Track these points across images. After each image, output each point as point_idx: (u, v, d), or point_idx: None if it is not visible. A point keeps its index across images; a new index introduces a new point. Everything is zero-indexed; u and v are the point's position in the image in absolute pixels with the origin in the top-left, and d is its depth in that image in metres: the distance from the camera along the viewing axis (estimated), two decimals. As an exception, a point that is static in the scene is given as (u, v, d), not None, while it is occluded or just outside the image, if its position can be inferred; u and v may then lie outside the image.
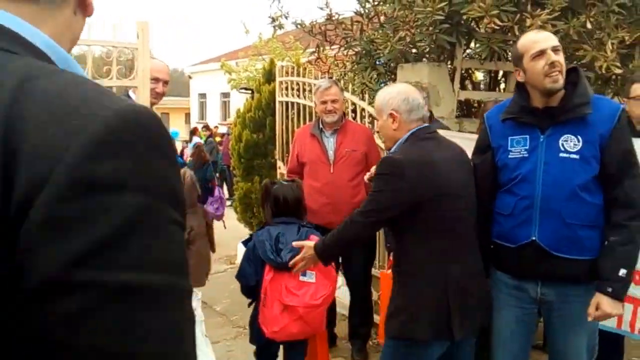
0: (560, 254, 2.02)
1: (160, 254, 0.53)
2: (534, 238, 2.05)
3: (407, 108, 2.13)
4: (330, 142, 3.54)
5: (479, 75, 4.96)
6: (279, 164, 5.33)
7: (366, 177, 2.58)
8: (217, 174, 9.81)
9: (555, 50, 2.02)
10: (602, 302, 1.96)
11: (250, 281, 2.63)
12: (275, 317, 2.50)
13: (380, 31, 4.29)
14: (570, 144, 2.01)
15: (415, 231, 2.08)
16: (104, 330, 0.49)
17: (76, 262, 0.49)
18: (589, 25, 3.43)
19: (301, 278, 2.54)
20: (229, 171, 10.08)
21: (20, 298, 0.49)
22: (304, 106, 4.78)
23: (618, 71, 3.48)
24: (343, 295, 3.95)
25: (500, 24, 3.42)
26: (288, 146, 4.82)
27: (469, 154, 2.35)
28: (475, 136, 2.54)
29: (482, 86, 4.88)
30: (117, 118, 0.53)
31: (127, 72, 2.68)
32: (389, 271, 2.54)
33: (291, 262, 2.40)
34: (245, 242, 2.76)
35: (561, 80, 2.01)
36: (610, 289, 1.95)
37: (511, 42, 3.48)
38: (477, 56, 4.11)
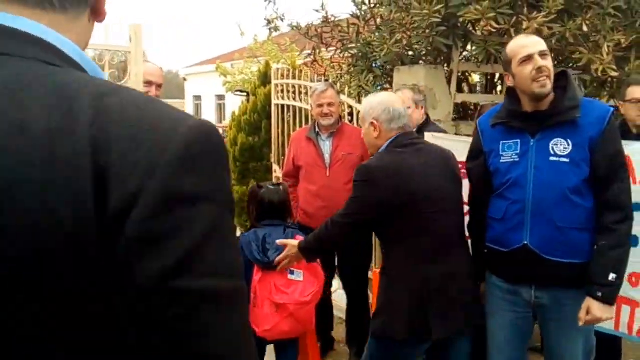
0: (553, 258, 2.02)
1: (229, 260, 0.58)
2: (525, 242, 2.06)
3: (388, 118, 2.21)
4: (326, 146, 3.53)
5: (476, 78, 4.96)
6: (275, 167, 5.31)
7: None
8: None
9: (543, 55, 2.02)
10: (593, 307, 1.98)
11: None
12: (266, 315, 2.53)
13: (377, 34, 4.28)
14: (561, 147, 2.01)
15: (393, 234, 2.19)
16: (195, 333, 0.54)
17: (170, 272, 0.53)
18: (585, 28, 3.43)
19: (289, 277, 2.59)
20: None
21: (121, 307, 0.53)
22: (300, 109, 4.76)
23: (614, 74, 3.48)
24: (340, 298, 3.93)
25: (497, 26, 3.41)
26: (284, 149, 4.80)
27: (465, 157, 2.36)
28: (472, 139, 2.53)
29: (478, 89, 4.88)
30: (192, 134, 0.56)
31: (120, 75, 2.65)
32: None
33: (276, 260, 2.46)
34: None
35: (549, 85, 2.01)
36: (600, 294, 1.96)
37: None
38: (473, 59, 4.11)
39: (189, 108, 25.97)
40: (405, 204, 2.11)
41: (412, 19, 3.68)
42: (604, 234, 1.99)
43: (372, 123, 2.24)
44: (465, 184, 2.43)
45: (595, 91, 3.98)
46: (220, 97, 22.28)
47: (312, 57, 5.03)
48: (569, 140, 2.00)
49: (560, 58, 4.09)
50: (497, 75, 4.36)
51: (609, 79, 3.81)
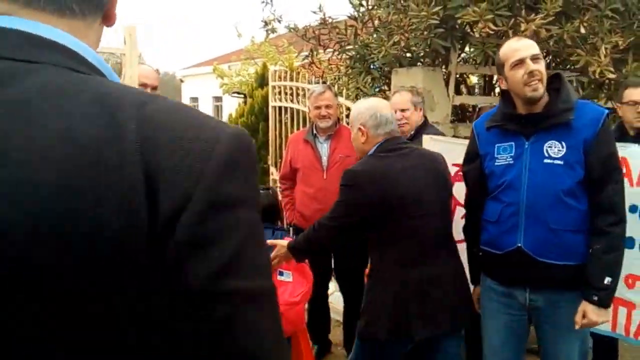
0: (546, 260, 2.02)
1: (265, 261, 0.62)
2: (519, 244, 2.06)
3: (375, 123, 2.25)
4: (324, 148, 3.51)
5: (474, 80, 4.96)
6: (272, 169, 5.30)
7: None
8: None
9: (534, 59, 2.02)
10: (588, 311, 1.98)
11: None
12: None
13: (375, 35, 4.28)
14: (555, 149, 2.01)
15: (377, 237, 2.25)
16: (242, 332, 0.57)
17: (218, 274, 0.55)
18: (582, 30, 3.43)
19: (278, 277, 2.61)
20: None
21: (169, 308, 0.55)
22: (298, 111, 4.75)
23: (611, 76, 3.48)
24: (337, 301, 3.92)
25: (495, 28, 3.41)
26: (281, 151, 4.79)
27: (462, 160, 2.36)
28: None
29: (477, 91, 4.88)
30: (233, 141, 0.59)
31: (115, 77, 2.63)
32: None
33: None
34: None
35: (541, 89, 2.01)
36: (596, 298, 1.97)
37: (506, 46, 3.47)
38: (471, 61, 4.11)
39: (186, 110, 25.84)
40: (388, 208, 2.15)
41: (410, 21, 3.67)
42: (598, 237, 1.99)
43: (359, 128, 2.29)
44: (462, 187, 2.43)
45: (593, 93, 3.98)
46: (218, 99, 22.26)
47: (309, 58, 5.02)
48: (563, 143, 2.00)
49: (558, 60, 4.09)
50: (495, 77, 4.36)
51: (607, 81, 3.81)
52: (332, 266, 3.59)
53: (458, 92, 4.25)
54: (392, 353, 2.26)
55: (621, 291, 2.16)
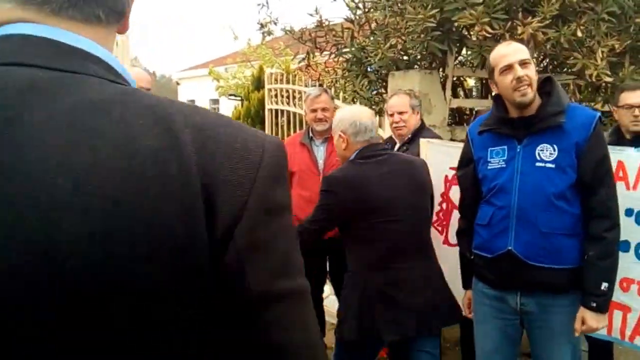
0: (537, 263, 2.01)
1: (301, 261, 0.65)
2: (510, 248, 2.05)
3: (354, 131, 2.34)
4: (320, 151, 3.50)
5: (471, 83, 4.96)
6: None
7: None
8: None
9: (523, 64, 2.01)
10: (587, 317, 1.98)
11: None
12: None
13: (371, 38, 4.27)
14: (546, 153, 2.01)
15: (350, 241, 2.35)
16: (294, 328, 0.62)
17: (272, 276, 0.60)
18: (579, 33, 3.43)
19: None
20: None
21: (225, 310, 0.58)
22: (294, 114, 4.73)
23: (608, 79, 3.48)
24: (332, 304, 3.90)
25: (492, 31, 3.40)
26: (278, 154, 4.76)
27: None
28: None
29: (474, 94, 4.87)
30: (275, 150, 0.62)
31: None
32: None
33: None
34: None
35: (530, 94, 2.01)
36: (594, 304, 1.97)
37: (502, 49, 3.46)
38: (469, 64, 4.10)
39: (182, 112, 25.81)
40: (362, 212, 2.25)
41: (407, 24, 3.67)
42: (593, 242, 1.98)
43: (340, 135, 2.38)
44: (459, 191, 2.42)
45: (590, 96, 3.98)
46: (215, 101, 22.24)
47: (305, 61, 5.01)
48: (555, 146, 2.00)
49: (555, 63, 4.09)
50: (492, 81, 4.35)
51: (604, 84, 3.81)
52: (327, 269, 3.57)
53: (455, 95, 4.25)
54: (363, 353, 2.37)
55: (616, 295, 2.15)
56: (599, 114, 2.07)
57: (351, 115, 2.38)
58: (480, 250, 2.18)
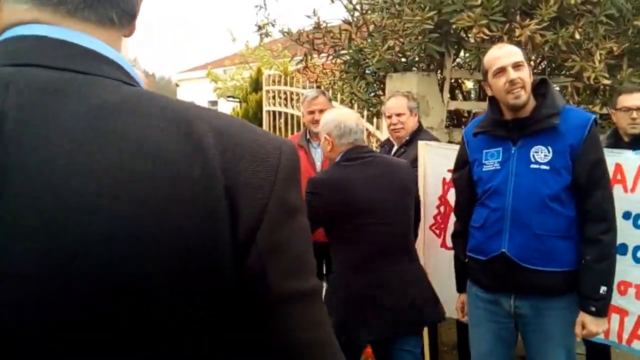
0: (530, 266, 2.00)
1: (313, 261, 0.66)
2: (503, 250, 2.04)
3: (339, 133, 2.36)
4: (317, 153, 3.48)
5: (470, 85, 4.95)
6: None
7: None
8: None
9: (516, 66, 2.01)
10: (587, 322, 1.98)
11: None
12: None
13: (369, 40, 4.26)
14: (541, 154, 2.01)
15: (335, 242, 2.37)
16: (313, 326, 0.64)
17: (292, 276, 0.61)
18: (577, 36, 3.42)
19: None
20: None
21: (249, 311, 0.59)
22: (292, 116, 4.72)
23: (606, 82, 3.48)
24: (331, 308, 3.89)
25: (490, 33, 3.40)
26: (275, 156, 4.75)
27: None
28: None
29: (472, 96, 4.86)
30: (290, 153, 0.63)
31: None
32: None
33: None
34: None
35: (523, 96, 2.01)
36: (593, 308, 1.96)
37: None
38: (466, 66, 4.09)
39: (181, 114, 25.74)
40: (346, 214, 2.27)
41: (405, 26, 3.66)
42: (589, 246, 1.97)
43: (325, 137, 2.41)
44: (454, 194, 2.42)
45: (588, 99, 3.97)
46: (214, 103, 22.18)
47: (303, 63, 5.00)
48: (549, 148, 2.00)
49: (553, 65, 4.09)
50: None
51: (602, 87, 3.80)
52: (324, 272, 3.56)
53: (453, 97, 4.24)
54: (347, 354, 2.36)
55: (614, 298, 2.14)
56: (594, 116, 2.07)
57: (336, 117, 2.41)
58: (475, 253, 2.17)
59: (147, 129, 0.56)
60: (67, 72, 0.58)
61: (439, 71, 4.11)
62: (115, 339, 0.54)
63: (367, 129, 4.31)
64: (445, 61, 3.89)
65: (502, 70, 2.02)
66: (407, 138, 3.10)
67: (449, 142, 3.59)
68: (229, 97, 11.47)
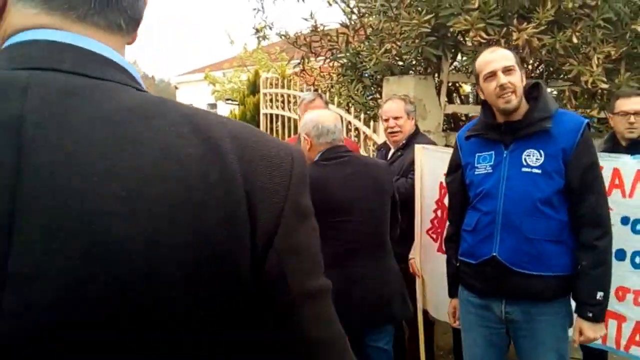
0: (522, 270, 1.99)
1: (322, 259, 0.68)
2: (494, 254, 2.03)
3: (317, 133, 2.43)
4: (314, 156, 3.47)
5: (467, 89, 4.94)
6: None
7: None
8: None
9: (507, 71, 2.00)
10: (584, 328, 1.97)
11: None
12: None
13: (366, 43, 4.25)
14: (533, 158, 2.00)
15: None
16: (327, 322, 0.67)
17: (308, 277, 0.64)
18: (575, 40, 3.41)
19: None
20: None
21: (266, 312, 0.61)
22: (289, 118, 4.71)
23: (604, 86, 3.46)
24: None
25: (487, 37, 3.38)
26: (272, 159, 4.73)
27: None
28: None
29: (470, 99, 4.85)
30: (300, 157, 0.65)
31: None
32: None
33: None
34: None
35: (514, 100, 2.00)
36: (590, 314, 1.96)
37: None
38: (464, 69, 4.08)
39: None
40: (324, 213, 2.39)
41: (401, 29, 3.65)
42: (585, 252, 1.96)
43: (304, 137, 2.47)
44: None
45: (586, 103, 3.96)
46: (212, 106, 22.17)
47: (300, 66, 4.98)
48: (541, 151, 1.99)
49: (551, 69, 4.08)
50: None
51: (599, 91, 3.79)
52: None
53: (451, 101, 4.22)
54: None
55: (611, 304, 2.14)
56: (587, 120, 2.06)
57: (315, 118, 2.47)
58: (466, 257, 2.16)
59: (165, 134, 0.56)
60: (81, 77, 0.58)
61: (436, 75, 4.10)
62: (115, 339, 0.54)
63: (364, 132, 4.30)
64: (442, 64, 3.88)
65: (492, 75, 2.01)
66: (403, 141, 3.09)
67: (446, 145, 3.57)
68: (227, 100, 11.45)
